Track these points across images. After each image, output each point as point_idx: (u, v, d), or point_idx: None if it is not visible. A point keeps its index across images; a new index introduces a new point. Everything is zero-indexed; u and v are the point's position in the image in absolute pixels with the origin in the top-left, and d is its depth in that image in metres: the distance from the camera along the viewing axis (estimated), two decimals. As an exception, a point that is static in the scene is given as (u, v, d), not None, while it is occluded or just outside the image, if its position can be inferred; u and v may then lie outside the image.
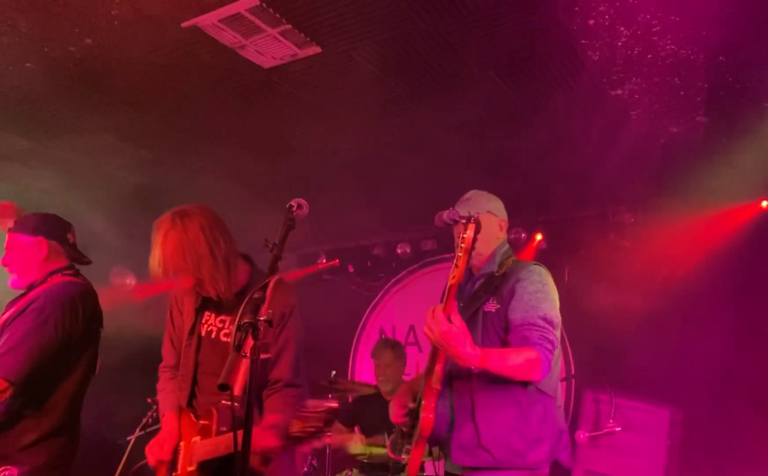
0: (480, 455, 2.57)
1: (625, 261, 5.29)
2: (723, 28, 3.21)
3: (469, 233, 2.43)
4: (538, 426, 2.58)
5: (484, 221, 2.73)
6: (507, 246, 2.89)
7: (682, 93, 3.83)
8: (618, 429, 4.48)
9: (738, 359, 4.82)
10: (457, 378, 2.68)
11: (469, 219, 2.44)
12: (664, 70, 3.59)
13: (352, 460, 4.81)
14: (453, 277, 2.46)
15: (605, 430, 4.48)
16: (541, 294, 2.62)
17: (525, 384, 2.57)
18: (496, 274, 2.74)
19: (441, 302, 2.52)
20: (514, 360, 2.50)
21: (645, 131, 4.33)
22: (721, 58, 3.47)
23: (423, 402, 2.63)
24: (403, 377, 5.15)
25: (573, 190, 5.26)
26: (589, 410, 4.71)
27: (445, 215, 2.76)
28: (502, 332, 2.64)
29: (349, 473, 4.61)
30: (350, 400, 5.14)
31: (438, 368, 2.58)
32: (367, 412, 5.04)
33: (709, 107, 4.00)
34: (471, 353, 2.41)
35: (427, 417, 2.60)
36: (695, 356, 4.88)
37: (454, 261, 2.46)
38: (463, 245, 2.43)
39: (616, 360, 5.09)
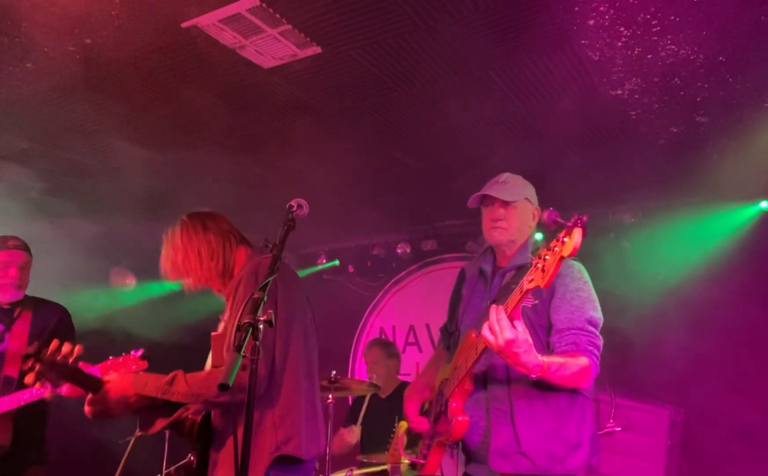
0: (520, 461, 2.45)
1: (625, 261, 5.29)
2: (723, 28, 3.21)
3: (576, 238, 2.04)
4: (578, 430, 2.50)
5: (520, 206, 2.69)
6: (539, 235, 2.80)
7: (682, 93, 3.83)
8: (618, 429, 4.47)
9: (738, 358, 4.82)
10: (493, 381, 2.55)
11: (575, 223, 2.06)
12: (664, 70, 3.59)
13: (352, 460, 4.81)
14: (531, 281, 2.16)
15: (605, 430, 4.47)
16: (584, 294, 2.54)
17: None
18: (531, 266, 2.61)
19: (499, 303, 2.29)
20: (571, 369, 2.38)
21: (645, 130, 4.33)
22: (721, 58, 3.47)
23: (452, 404, 2.53)
24: (399, 377, 5.15)
25: (573, 190, 5.25)
26: (589, 410, 4.70)
27: (545, 215, 2.27)
28: (540, 330, 2.54)
29: (349, 473, 4.61)
30: (350, 402, 5.14)
31: (471, 370, 2.48)
32: (366, 410, 5.04)
33: (709, 107, 4.00)
34: (535, 363, 2.28)
35: (459, 421, 2.51)
36: (695, 356, 4.88)
37: (539, 264, 2.13)
38: (557, 249, 2.06)
39: (616, 360, 5.08)
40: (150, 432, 2.51)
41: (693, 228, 5.15)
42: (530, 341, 2.26)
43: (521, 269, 2.47)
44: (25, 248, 3.62)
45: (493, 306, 2.28)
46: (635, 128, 4.29)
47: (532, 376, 2.31)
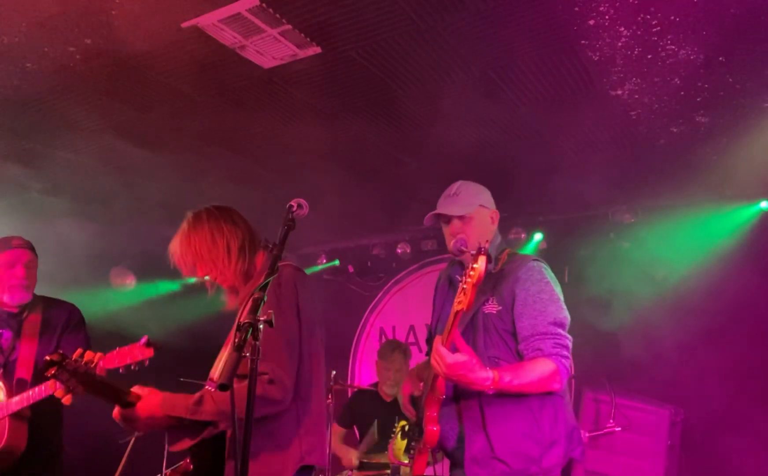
0: (495, 466, 2.48)
1: (625, 261, 5.30)
2: (723, 28, 3.21)
3: (480, 264, 2.22)
4: (551, 428, 2.50)
5: (477, 215, 2.70)
6: (500, 238, 2.79)
7: (682, 93, 3.83)
8: (618, 429, 4.48)
9: (738, 358, 4.82)
10: (464, 389, 2.54)
11: (479, 251, 2.24)
12: (664, 70, 3.59)
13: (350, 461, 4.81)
14: (459, 303, 2.28)
15: (605, 430, 4.48)
16: (545, 295, 2.53)
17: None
18: (492, 271, 2.62)
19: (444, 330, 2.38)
20: (530, 375, 2.41)
21: (645, 130, 4.33)
22: (721, 58, 3.47)
23: (426, 412, 2.54)
24: None
25: (573, 190, 5.26)
26: (589, 410, 4.71)
27: (452, 245, 2.63)
28: (506, 335, 2.55)
29: (349, 473, 4.61)
30: (349, 396, 5.15)
31: (435, 384, 2.50)
32: (364, 410, 5.04)
33: (709, 107, 4.00)
34: (484, 378, 2.33)
35: (431, 431, 2.53)
36: (695, 355, 4.89)
37: (462, 287, 2.28)
38: (472, 274, 2.22)
39: (616, 360, 5.09)
40: (177, 449, 2.41)
41: (693, 228, 5.15)
42: (473, 361, 2.30)
43: (485, 276, 2.47)
44: (30, 247, 3.54)
45: (437, 337, 2.37)
46: (635, 127, 4.29)
47: (489, 391, 2.35)
